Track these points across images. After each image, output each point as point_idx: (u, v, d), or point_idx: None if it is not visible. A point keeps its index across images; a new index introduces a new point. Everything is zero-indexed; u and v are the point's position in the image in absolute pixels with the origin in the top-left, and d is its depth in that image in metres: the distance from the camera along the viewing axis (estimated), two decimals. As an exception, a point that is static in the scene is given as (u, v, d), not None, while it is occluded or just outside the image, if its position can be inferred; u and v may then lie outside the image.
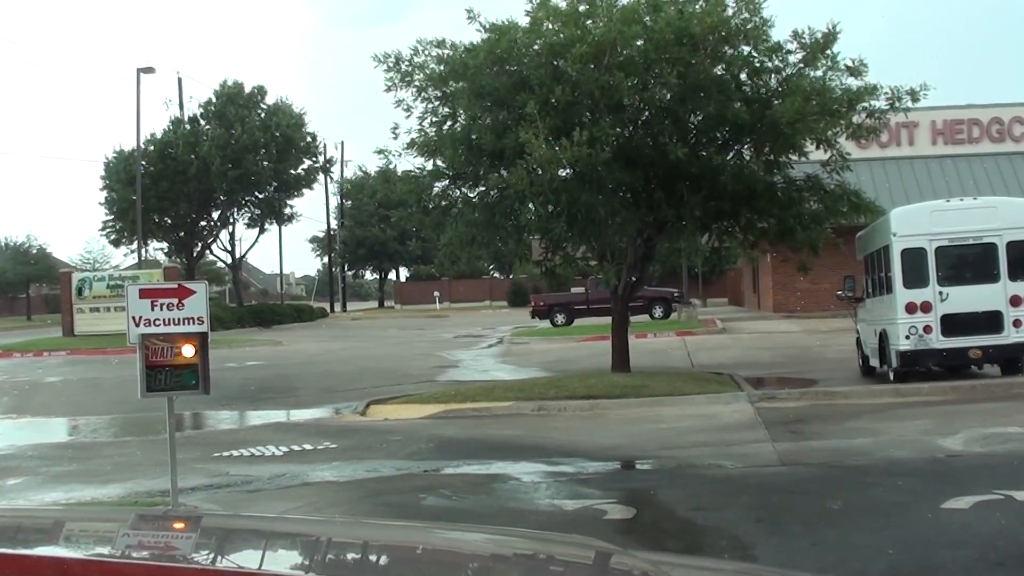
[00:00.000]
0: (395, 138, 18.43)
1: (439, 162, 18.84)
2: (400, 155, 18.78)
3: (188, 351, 8.98)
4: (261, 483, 11.26)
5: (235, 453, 13.52)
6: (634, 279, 19.83)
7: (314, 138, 56.41)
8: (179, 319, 9.11)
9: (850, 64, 17.75)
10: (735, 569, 3.64)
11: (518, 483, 10.51)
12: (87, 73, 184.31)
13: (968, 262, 17.28)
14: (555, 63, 17.20)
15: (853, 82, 17.77)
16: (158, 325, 9.06)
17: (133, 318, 9.08)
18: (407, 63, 18.13)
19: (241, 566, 2.56)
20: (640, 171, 17.72)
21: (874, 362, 18.79)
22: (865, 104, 17.88)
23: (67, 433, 17.80)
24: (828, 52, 17.58)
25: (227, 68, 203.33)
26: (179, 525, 3.14)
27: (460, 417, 16.09)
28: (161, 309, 9.09)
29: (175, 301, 9.12)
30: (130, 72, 43.04)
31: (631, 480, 11.05)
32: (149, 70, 43.49)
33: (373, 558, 2.86)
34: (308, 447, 13.61)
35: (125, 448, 14.82)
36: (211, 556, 2.62)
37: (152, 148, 50.77)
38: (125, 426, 17.34)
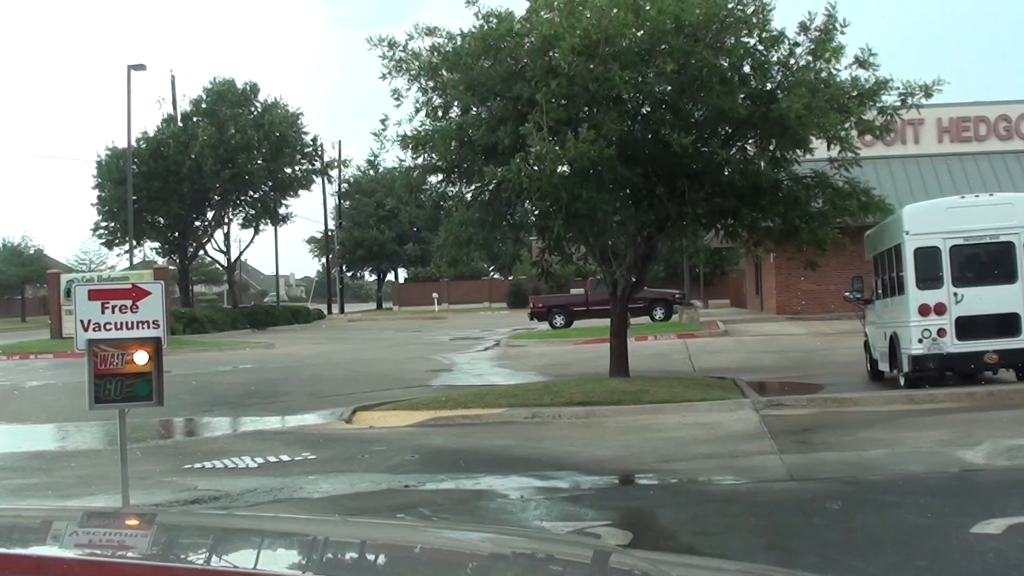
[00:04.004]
0: (384, 129, 17.68)
1: (431, 156, 18.08)
2: (394, 143, 18.02)
3: (141, 358, 8.18)
4: (230, 499, 10.47)
5: (208, 465, 12.73)
6: (634, 280, 19.07)
7: (315, 140, 55.68)
8: (132, 323, 8.34)
9: (858, 55, 16.99)
10: (738, 569, 3.34)
11: (505, 501, 9.70)
12: (87, 70, 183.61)
13: (984, 262, 16.49)
14: (549, 55, 16.42)
15: (863, 74, 17.03)
16: (109, 329, 8.27)
17: (81, 322, 8.30)
18: (401, 48, 17.39)
19: (237, 566, 2.53)
20: (640, 167, 16.94)
21: (883, 366, 18.02)
22: (877, 100, 17.09)
23: (38, 442, 16.96)
24: (832, 42, 16.80)
25: (229, 70, 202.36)
26: (176, 524, 3.12)
27: (450, 425, 15.31)
28: (112, 312, 8.32)
29: (128, 303, 8.34)
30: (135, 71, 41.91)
31: (628, 498, 10.23)
32: (140, 67, 42.64)
33: (371, 557, 2.81)
34: (286, 458, 12.82)
35: (94, 458, 14.05)
36: (208, 555, 2.60)
37: (145, 147, 49.97)
38: (100, 434, 16.53)
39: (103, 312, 8.24)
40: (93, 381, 8.14)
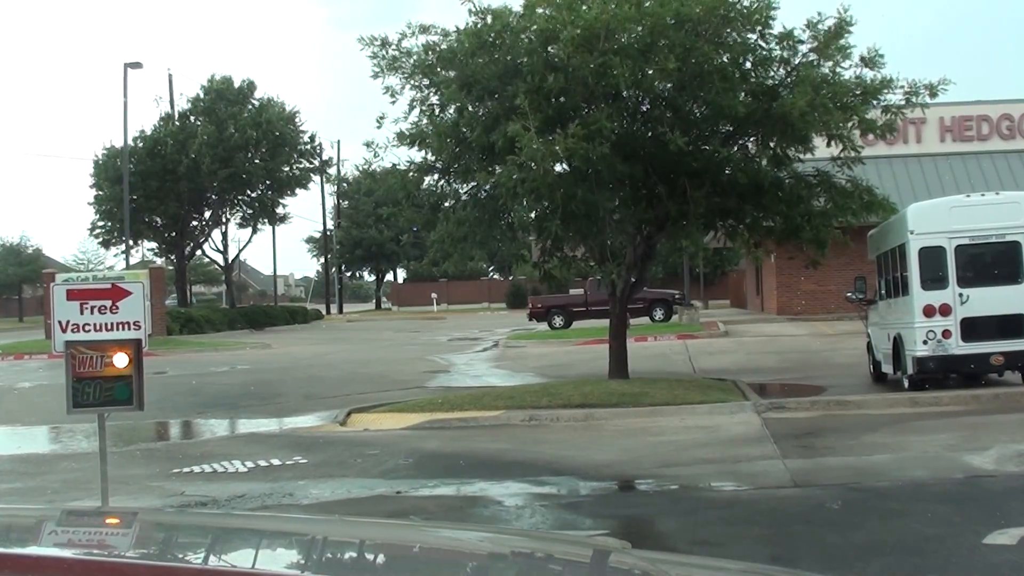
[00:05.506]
0: (379, 128, 17.39)
1: (427, 155, 17.80)
2: (386, 148, 17.73)
3: (120, 361, 7.88)
4: (217, 505, 10.19)
5: (197, 469, 12.44)
6: (633, 280, 18.78)
7: (313, 139, 55.37)
8: (112, 324, 8.04)
9: (864, 55, 16.69)
10: (739, 568, 3.27)
11: (499, 508, 9.40)
12: (87, 69, 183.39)
13: (989, 261, 16.19)
14: (547, 50, 16.13)
15: (868, 74, 16.73)
16: (88, 331, 7.98)
17: (59, 323, 8.00)
18: (394, 47, 17.11)
19: (236, 565, 2.53)
20: (640, 165, 16.64)
21: (886, 368, 17.74)
22: (880, 98, 16.79)
23: (27, 444, 16.69)
24: (840, 43, 16.51)
25: (230, 70, 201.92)
26: (173, 524, 3.10)
27: (445, 428, 15.03)
28: (92, 313, 8.02)
29: (108, 303, 8.04)
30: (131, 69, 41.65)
31: (627, 505, 9.92)
32: (136, 65, 42.32)
33: (370, 557, 2.78)
34: (277, 462, 12.52)
35: (83, 461, 13.73)
36: (206, 555, 2.57)
37: (142, 146, 49.67)
38: (91, 436, 16.21)
39: (82, 313, 7.95)
40: (72, 384, 7.85)
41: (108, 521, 3.07)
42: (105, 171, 49.81)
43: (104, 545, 2.63)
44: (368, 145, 17.76)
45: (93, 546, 2.61)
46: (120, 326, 8.02)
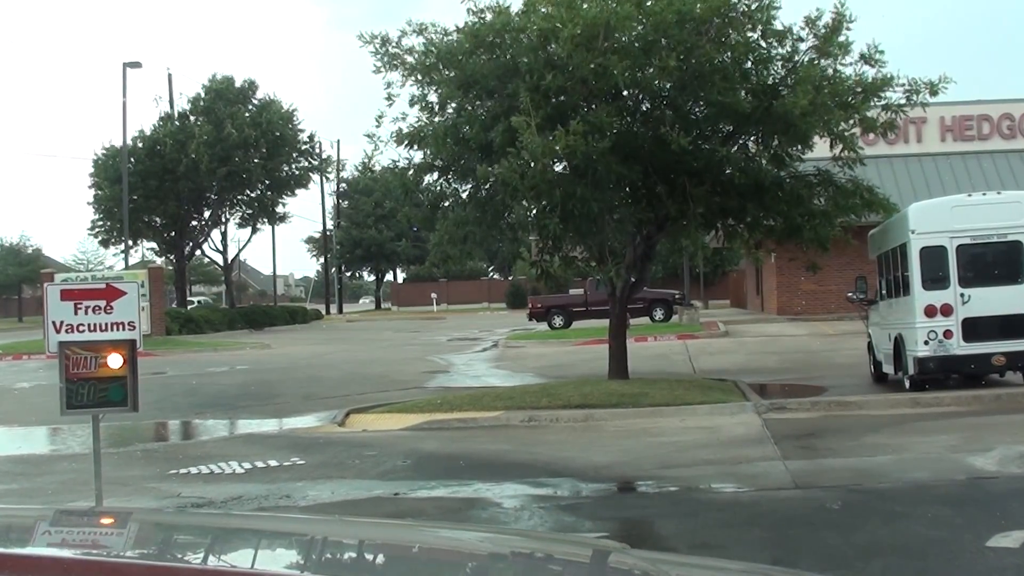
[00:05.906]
0: (378, 126, 17.32)
1: (427, 154, 17.74)
2: (387, 143, 17.67)
3: (115, 361, 7.81)
4: (213, 507, 10.11)
5: (194, 470, 12.37)
6: (633, 280, 18.70)
7: (312, 138, 55.29)
8: (106, 324, 7.97)
9: (864, 52, 16.62)
10: (739, 569, 3.26)
11: (497, 510, 9.33)
12: (88, 68, 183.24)
13: (991, 261, 16.11)
14: (547, 48, 16.06)
15: (868, 71, 16.65)
16: (82, 331, 7.91)
17: (53, 323, 7.93)
18: (394, 45, 17.06)
19: (235, 565, 2.52)
20: (639, 164, 16.56)
21: (887, 368, 17.68)
22: (881, 96, 16.71)
23: (26, 445, 16.62)
24: (839, 39, 16.43)
25: (230, 70, 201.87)
26: (172, 524, 3.10)
27: (444, 428, 14.95)
28: (86, 313, 7.95)
29: (102, 304, 7.97)
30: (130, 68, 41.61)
31: (626, 507, 9.84)
32: (136, 64, 42.27)
33: (370, 557, 2.77)
34: (274, 463, 12.45)
35: (81, 462, 13.64)
36: (205, 555, 2.57)
37: (141, 145, 49.61)
38: (89, 437, 16.15)
39: (76, 313, 7.88)
40: (66, 385, 7.78)
41: (104, 521, 3.06)
42: (105, 171, 49.75)
43: (100, 545, 2.61)
44: (369, 137, 17.69)
45: (89, 546, 2.58)
46: (114, 326, 7.95)
